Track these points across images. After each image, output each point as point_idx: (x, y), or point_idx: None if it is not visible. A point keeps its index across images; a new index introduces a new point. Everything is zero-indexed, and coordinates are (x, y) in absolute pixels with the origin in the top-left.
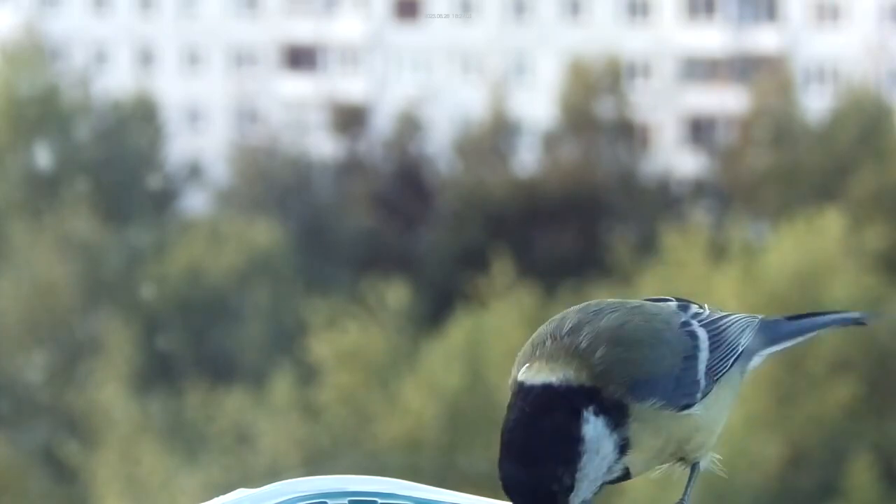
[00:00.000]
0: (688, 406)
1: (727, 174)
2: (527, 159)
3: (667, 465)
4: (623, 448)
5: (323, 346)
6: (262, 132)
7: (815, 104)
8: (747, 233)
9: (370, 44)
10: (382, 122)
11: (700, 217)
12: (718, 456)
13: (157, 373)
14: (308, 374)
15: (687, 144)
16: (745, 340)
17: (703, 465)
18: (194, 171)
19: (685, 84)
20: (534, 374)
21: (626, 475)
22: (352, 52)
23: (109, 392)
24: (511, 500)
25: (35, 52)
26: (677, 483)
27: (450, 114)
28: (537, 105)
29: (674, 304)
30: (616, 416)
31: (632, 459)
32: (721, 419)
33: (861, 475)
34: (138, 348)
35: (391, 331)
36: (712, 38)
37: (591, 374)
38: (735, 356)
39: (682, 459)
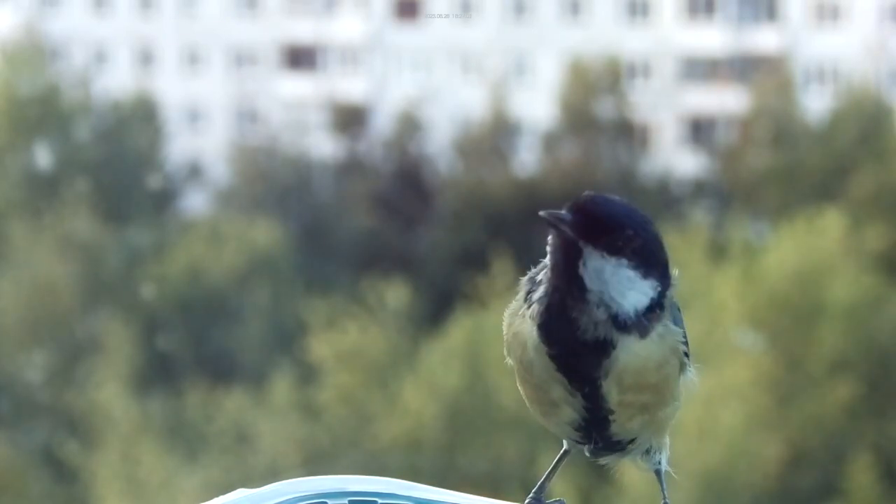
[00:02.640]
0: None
1: (727, 174)
2: (527, 159)
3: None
4: (653, 307)
5: (323, 346)
6: (262, 132)
7: (815, 104)
8: (747, 233)
9: (370, 44)
10: (382, 122)
11: (700, 217)
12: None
13: (157, 373)
14: (308, 374)
15: (687, 144)
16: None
17: (664, 466)
18: (194, 171)
19: (685, 84)
20: None
21: (602, 405)
22: (352, 52)
23: (109, 392)
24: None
25: (35, 52)
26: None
27: (450, 114)
28: (537, 105)
29: None
30: (665, 285)
31: (628, 349)
32: (676, 414)
33: (861, 475)
34: (138, 348)
35: (391, 331)
36: (712, 38)
37: None
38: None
39: (646, 453)
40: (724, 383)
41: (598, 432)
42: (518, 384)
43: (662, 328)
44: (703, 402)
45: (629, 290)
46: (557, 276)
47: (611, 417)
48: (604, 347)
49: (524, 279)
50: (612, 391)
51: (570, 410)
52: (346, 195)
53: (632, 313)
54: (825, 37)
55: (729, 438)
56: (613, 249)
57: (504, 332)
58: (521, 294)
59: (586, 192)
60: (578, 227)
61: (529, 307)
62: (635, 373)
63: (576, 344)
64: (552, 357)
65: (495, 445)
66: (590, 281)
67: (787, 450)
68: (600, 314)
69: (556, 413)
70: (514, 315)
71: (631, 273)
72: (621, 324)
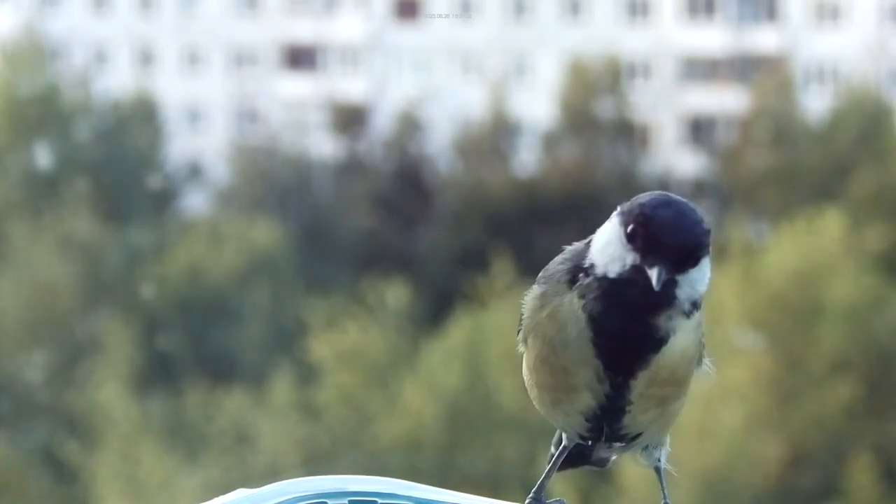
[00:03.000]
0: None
1: (727, 174)
2: (527, 159)
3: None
4: (695, 305)
5: (323, 346)
6: (262, 132)
7: (815, 104)
8: (747, 233)
9: (370, 44)
10: (382, 122)
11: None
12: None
13: (157, 373)
14: (308, 374)
15: (687, 144)
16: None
17: (664, 463)
18: (194, 171)
19: (685, 84)
20: None
21: (620, 394)
22: (352, 52)
23: (109, 392)
24: (666, 246)
25: (35, 52)
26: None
27: (450, 114)
28: (537, 105)
29: None
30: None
31: (673, 345)
32: (682, 409)
33: (861, 475)
34: (138, 348)
35: (391, 331)
36: (712, 38)
37: None
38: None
39: (645, 449)
40: (724, 383)
41: (610, 423)
42: (531, 369)
43: (700, 315)
44: (703, 402)
45: (706, 278)
46: (645, 296)
47: (627, 408)
48: (661, 343)
49: (561, 264)
50: (642, 383)
51: (588, 398)
52: (346, 195)
53: (695, 302)
54: (825, 37)
55: (729, 438)
56: (702, 257)
57: (526, 315)
58: (561, 277)
59: (657, 214)
60: (674, 269)
61: (582, 296)
62: (672, 367)
63: (636, 339)
64: (597, 343)
65: (495, 445)
66: (681, 293)
67: (787, 450)
68: (680, 310)
69: (571, 400)
70: (550, 297)
71: (709, 263)
72: (688, 315)
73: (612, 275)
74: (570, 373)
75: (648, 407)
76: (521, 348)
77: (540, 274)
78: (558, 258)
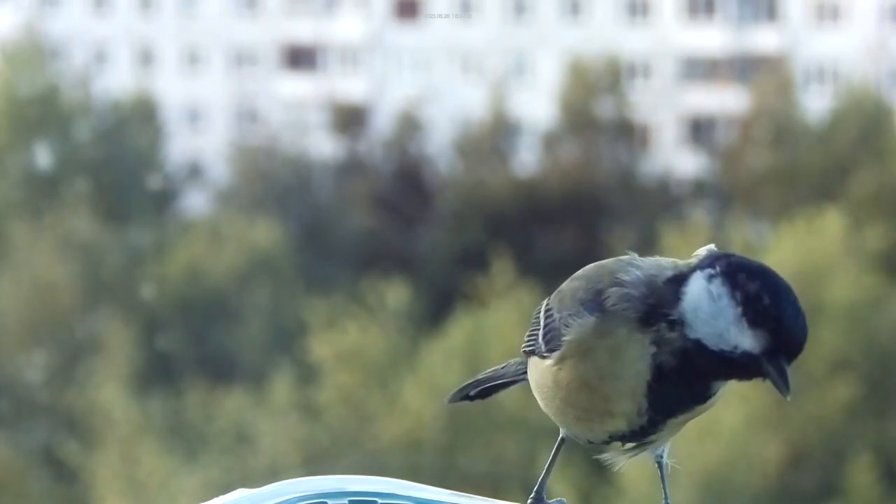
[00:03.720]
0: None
1: (727, 174)
2: (527, 159)
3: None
4: None
5: (323, 346)
6: (262, 132)
7: (815, 104)
8: (747, 233)
9: (370, 44)
10: (382, 122)
11: (700, 217)
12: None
13: (157, 373)
14: (308, 374)
15: (687, 144)
16: None
17: (665, 458)
18: (194, 171)
19: (685, 84)
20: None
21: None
22: (352, 52)
23: (109, 392)
24: (794, 349)
25: (35, 52)
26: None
27: (450, 114)
28: (537, 105)
29: None
30: None
31: (719, 395)
32: None
33: (861, 475)
34: (138, 348)
35: (391, 331)
36: (712, 38)
37: None
38: None
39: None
40: None
41: (631, 440)
42: (563, 386)
43: None
44: None
45: None
46: (742, 375)
47: (655, 433)
48: (711, 396)
49: (628, 300)
50: (680, 420)
51: (622, 423)
52: (346, 195)
53: None
54: (825, 37)
55: (729, 438)
56: None
57: (575, 336)
58: (630, 312)
59: (786, 312)
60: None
61: (657, 344)
62: (710, 408)
63: (694, 394)
64: (652, 388)
65: (495, 445)
66: None
67: (787, 450)
68: None
69: (602, 423)
70: (613, 327)
71: None
72: None
73: (711, 347)
74: (611, 401)
75: (675, 431)
76: (550, 362)
77: (582, 284)
78: (609, 276)
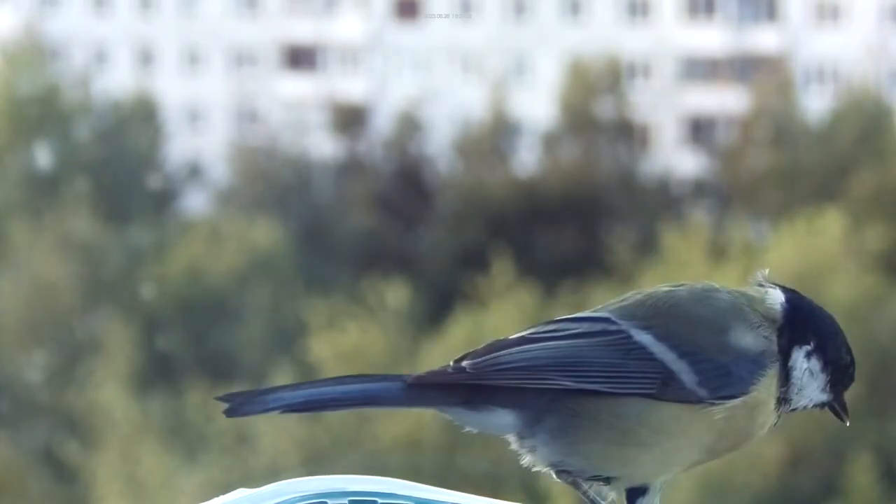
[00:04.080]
0: None
1: (727, 174)
2: (527, 159)
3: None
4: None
5: (323, 346)
6: (262, 132)
7: (815, 104)
8: (747, 233)
9: (370, 44)
10: (382, 122)
11: (700, 217)
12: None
13: (157, 373)
14: (308, 374)
15: (687, 144)
16: None
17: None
18: (194, 171)
19: (685, 84)
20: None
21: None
22: (352, 52)
23: (109, 392)
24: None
25: (35, 52)
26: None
27: (450, 114)
28: (537, 105)
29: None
30: None
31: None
32: None
33: (861, 475)
34: (138, 348)
35: (391, 331)
36: (712, 38)
37: None
38: None
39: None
40: None
41: None
42: (720, 435)
43: None
44: None
45: None
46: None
47: None
48: None
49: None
50: None
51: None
52: (346, 195)
53: None
54: (825, 37)
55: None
56: None
57: (762, 390)
58: (772, 391)
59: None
60: None
61: (780, 414)
62: None
63: None
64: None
65: (495, 445)
66: None
67: (787, 450)
68: None
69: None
70: (759, 403)
71: None
72: None
73: (797, 406)
74: (742, 444)
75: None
76: (716, 409)
77: (728, 322)
78: (747, 314)
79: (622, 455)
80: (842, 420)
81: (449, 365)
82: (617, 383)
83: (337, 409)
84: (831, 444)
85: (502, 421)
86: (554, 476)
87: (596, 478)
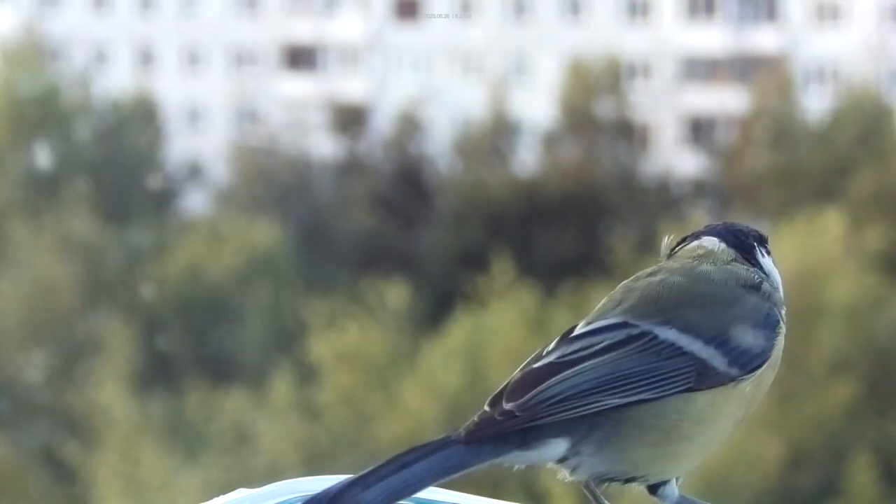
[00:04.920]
0: None
1: (727, 174)
2: (527, 159)
3: None
4: None
5: (323, 346)
6: (262, 132)
7: (815, 104)
8: None
9: (370, 44)
10: (382, 122)
11: (700, 217)
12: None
13: (157, 373)
14: (308, 374)
15: (687, 144)
16: None
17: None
18: (194, 171)
19: (685, 84)
20: None
21: None
22: (352, 52)
23: (109, 392)
24: None
25: (35, 52)
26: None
27: (450, 114)
28: (537, 105)
29: None
30: None
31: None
32: None
33: (861, 475)
34: (138, 348)
35: (391, 331)
36: (712, 38)
37: None
38: None
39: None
40: None
41: None
42: (750, 404)
43: None
44: None
45: None
46: None
47: None
48: None
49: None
50: None
51: None
52: (346, 195)
53: None
54: (825, 37)
55: (729, 438)
56: None
57: (778, 351)
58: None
59: None
60: None
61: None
62: None
63: None
64: None
65: None
66: None
67: (787, 450)
68: None
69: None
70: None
71: None
72: None
73: (779, 290)
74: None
75: None
76: (745, 383)
77: (741, 294)
78: (751, 280)
79: (668, 453)
80: None
81: (489, 411)
82: (659, 387)
83: (414, 493)
84: (831, 444)
85: (555, 451)
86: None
87: (636, 479)
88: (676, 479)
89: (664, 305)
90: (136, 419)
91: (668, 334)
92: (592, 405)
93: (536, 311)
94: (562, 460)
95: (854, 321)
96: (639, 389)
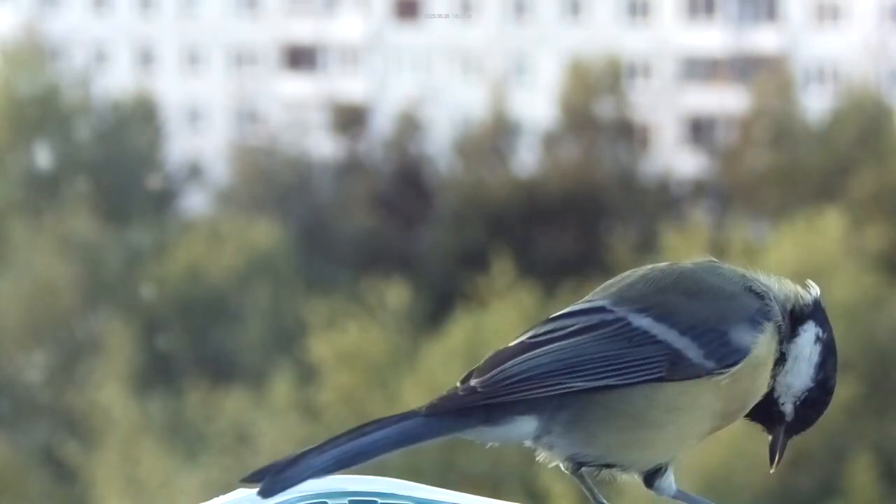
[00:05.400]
0: None
1: (727, 174)
2: (527, 159)
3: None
4: None
5: (323, 346)
6: (262, 132)
7: (815, 104)
8: (747, 233)
9: (370, 44)
10: (382, 122)
11: (700, 217)
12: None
13: (157, 373)
14: (308, 374)
15: (687, 144)
16: None
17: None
18: (194, 171)
19: (685, 84)
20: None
21: None
22: (352, 52)
23: (109, 392)
24: (802, 432)
25: (35, 52)
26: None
27: (450, 114)
28: (537, 105)
29: None
30: None
31: None
32: None
33: (861, 475)
34: (138, 348)
35: (391, 331)
36: (712, 38)
37: None
38: None
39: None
40: None
41: None
42: (728, 401)
43: None
44: None
45: None
46: None
47: None
48: None
49: (781, 314)
50: None
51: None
52: (346, 195)
53: None
54: (825, 37)
55: (729, 438)
56: None
57: (761, 350)
58: (781, 331)
59: None
60: None
61: (775, 376)
62: None
63: None
64: None
65: (495, 446)
66: None
67: (787, 450)
68: None
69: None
70: (774, 342)
71: None
72: None
73: (775, 392)
74: (744, 410)
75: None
76: (721, 377)
77: (726, 292)
78: (745, 283)
79: (637, 439)
80: (770, 460)
81: (457, 387)
82: (626, 374)
83: (367, 460)
84: (831, 444)
85: (523, 429)
86: (564, 469)
87: (614, 465)
88: (673, 472)
89: (645, 292)
90: (136, 419)
91: (643, 322)
92: (556, 387)
93: (536, 311)
94: (535, 439)
95: (854, 321)
96: (605, 375)
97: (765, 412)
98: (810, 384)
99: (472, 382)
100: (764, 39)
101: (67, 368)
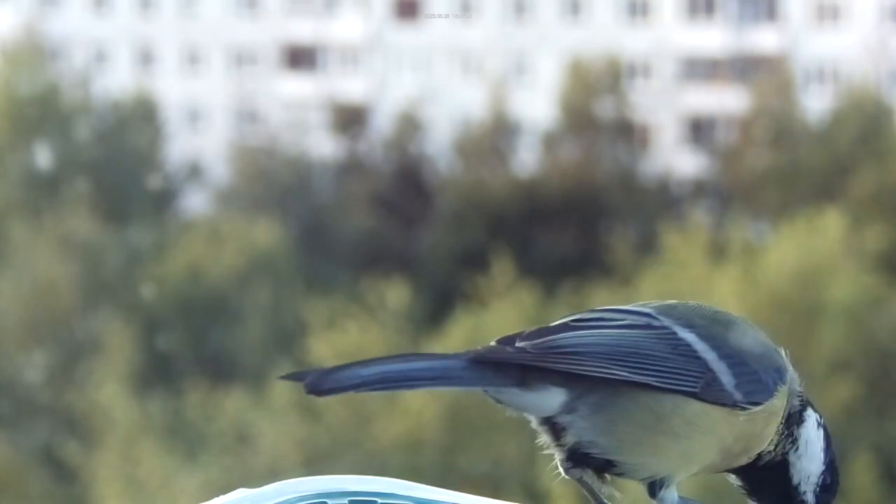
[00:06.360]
0: None
1: (727, 174)
2: (527, 159)
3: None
4: None
5: (323, 346)
6: (262, 132)
7: (815, 104)
8: (747, 233)
9: (370, 44)
10: (382, 122)
11: (700, 217)
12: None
13: (157, 373)
14: None
15: (687, 144)
16: None
17: None
18: (194, 171)
19: (685, 84)
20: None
21: None
22: (352, 52)
23: (109, 392)
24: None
25: (35, 52)
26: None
27: (450, 114)
28: (537, 105)
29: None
30: None
31: None
32: None
33: (861, 475)
34: (138, 348)
35: (391, 331)
36: (712, 38)
37: None
38: None
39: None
40: None
41: None
42: (736, 437)
43: None
44: None
45: None
46: None
47: None
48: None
49: (797, 390)
50: None
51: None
52: (346, 195)
53: None
54: (825, 37)
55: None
56: None
57: (777, 402)
58: (793, 403)
59: None
60: None
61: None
62: None
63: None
64: None
65: (495, 445)
66: None
67: None
68: None
69: (713, 470)
70: (785, 405)
71: None
72: None
73: (794, 475)
74: (744, 457)
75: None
76: (740, 412)
77: (761, 345)
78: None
79: (653, 441)
80: None
81: (502, 344)
82: (666, 378)
83: (408, 387)
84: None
85: (552, 401)
86: (561, 466)
87: (614, 464)
88: (677, 484)
89: (686, 314)
90: (136, 419)
91: (687, 335)
92: (600, 369)
93: (536, 311)
94: (558, 414)
95: (854, 321)
96: (647, 372)
97: (778, 486)
98: (822, 467)
99: (520, 344)
100: (764, 39)
101: (67, 368)
